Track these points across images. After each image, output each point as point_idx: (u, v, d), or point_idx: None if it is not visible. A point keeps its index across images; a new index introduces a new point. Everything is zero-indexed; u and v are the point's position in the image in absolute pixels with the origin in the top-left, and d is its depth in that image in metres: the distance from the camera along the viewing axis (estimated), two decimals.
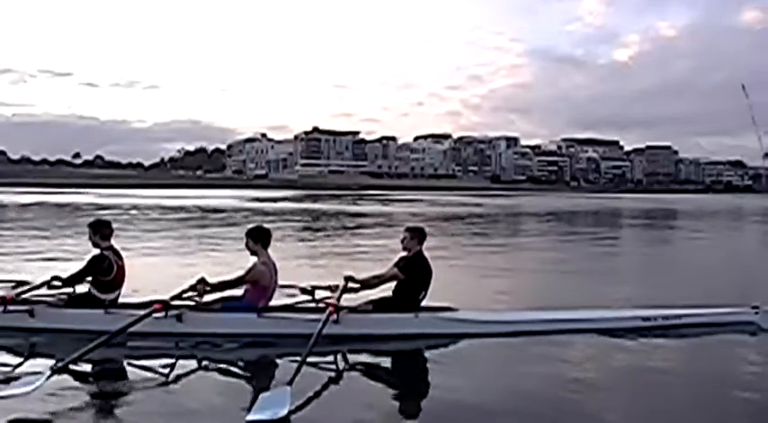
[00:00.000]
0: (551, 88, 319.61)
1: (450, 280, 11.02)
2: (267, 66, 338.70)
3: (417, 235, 8.00)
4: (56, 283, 7.75)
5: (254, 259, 7.75)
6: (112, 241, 7.93)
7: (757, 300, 8.46)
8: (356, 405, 5.58)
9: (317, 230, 25.50)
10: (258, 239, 7.77)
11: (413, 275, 7.79)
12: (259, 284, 7.64)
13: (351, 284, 7.91)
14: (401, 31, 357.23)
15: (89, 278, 7.72)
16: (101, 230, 7.80)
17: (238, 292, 7.83)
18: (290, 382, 5.52)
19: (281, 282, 7.96)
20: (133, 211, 33.44)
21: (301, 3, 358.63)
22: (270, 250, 7.86)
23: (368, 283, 7.92)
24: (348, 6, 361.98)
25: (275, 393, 5.37)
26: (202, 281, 7.65)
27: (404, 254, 8.00)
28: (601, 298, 10.34)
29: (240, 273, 7.76)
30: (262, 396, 5.33)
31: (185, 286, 7.59)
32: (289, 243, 19.07)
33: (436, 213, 40.41)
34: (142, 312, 7.08)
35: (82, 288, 7.84)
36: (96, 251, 7.78)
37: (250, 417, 5.08)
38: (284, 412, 5.12)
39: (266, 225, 8.10)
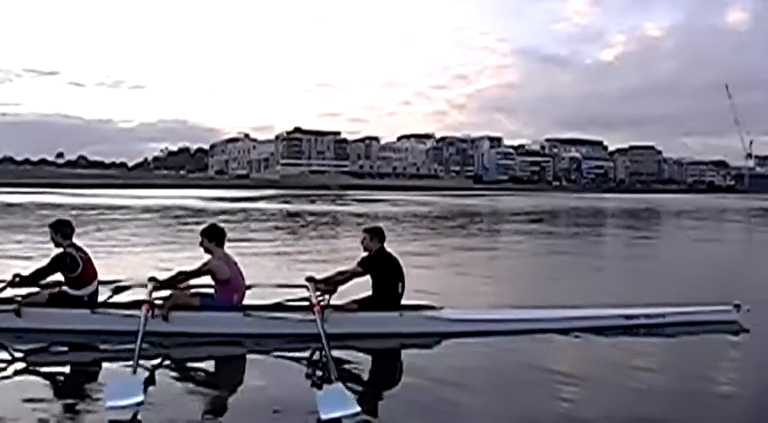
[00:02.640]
0: (537, 88, 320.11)
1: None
2: (254, 65, 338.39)
3: (376, 235, 8.13)
4: (18, 281, 7.80)
5: (207, 257, 7.82)
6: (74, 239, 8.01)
7: (739, 297, 8.57)
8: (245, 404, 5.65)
9: (255, 231, 25.10)
10: (213, 238, 7.85)
11: (378, 271, 7.90)
12: (222, 280, 7.69)
13: (311, 284, 7.98)
14: (387, 30, 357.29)
15: (60, 277, 7.81)
16: (61, 230, 7.91)
17: (208, 290, 7.88)
18: (338, 379, 5.58)
19: (254, 281, 8.14)
20: (73, 212, 33.03)
21: (289, 2, 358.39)
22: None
23: (331, 281, 7.99)
24: (335, 6, 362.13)
25: (332, 390, 5.45)
26: (153, 279, 7.75)
27: (366, 254, 8.10)
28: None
29: (194, 266, 7.87)
30: (319, 395, 5.41)
31: (147, 289, 7.57)
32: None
33: (381, 213, 40.39)
34: (127, 311, 7.35)
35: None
36: (59, 250, 7.85)
37: (324, 416, 5.18)
38: (356, 407, 5.27)
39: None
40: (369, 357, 7.11)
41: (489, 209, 50.75)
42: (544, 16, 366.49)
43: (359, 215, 37.85)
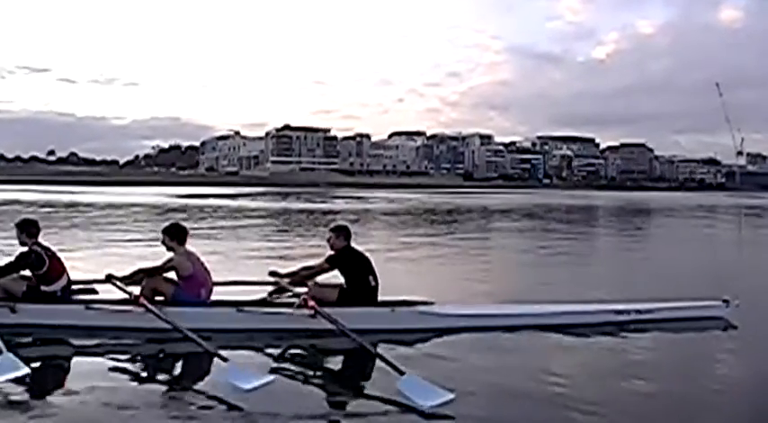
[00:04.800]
0: (530, 85, 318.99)
1: None
2: (248, 63, 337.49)
3: (342, 233, 8.23)
4: None
5: (170, 254, 7.93)
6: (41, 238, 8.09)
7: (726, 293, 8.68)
8: (331, 400, 5.75)
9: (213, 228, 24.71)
10: (174, 236, 7.99)
11: (346, 267, 7.98)
12: (185, 276, 7.78)
13: (277, 279, 8.12)
14: (381, 27, 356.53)
15: (28, 275, 7.88)
16: (27, 229, 7.98)
17: (171, 287, 7.90)
18: (402, 372, 5.76)
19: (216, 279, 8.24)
20: (30, 208, 32.76)
21: (283, 0, 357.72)
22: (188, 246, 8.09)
23: (297, 276, 8.07)
24: (329, 4, 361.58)
25: (416, 383, 5.60)
26: (111, 276, 7.84)
27: (332, 252, 8.16)
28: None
29: (155, 263, 8.01)
30: (406, 389, 5.56)
31: (120, 285, 7.68)
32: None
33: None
34: (123, 308, 7.50)
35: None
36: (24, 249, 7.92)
37: (426, 404, 5.34)
38: (451, 394, 5.44)
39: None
40: (360, 353, 6.95)
41: (455, 206, 50.54)
42: (537, 14, 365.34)
43: (334, 212, 38.02)
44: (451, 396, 5.44)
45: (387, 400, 5.62)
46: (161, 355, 7.00)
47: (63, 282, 7.94)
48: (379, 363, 6.20)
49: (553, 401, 5.66)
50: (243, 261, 14.49)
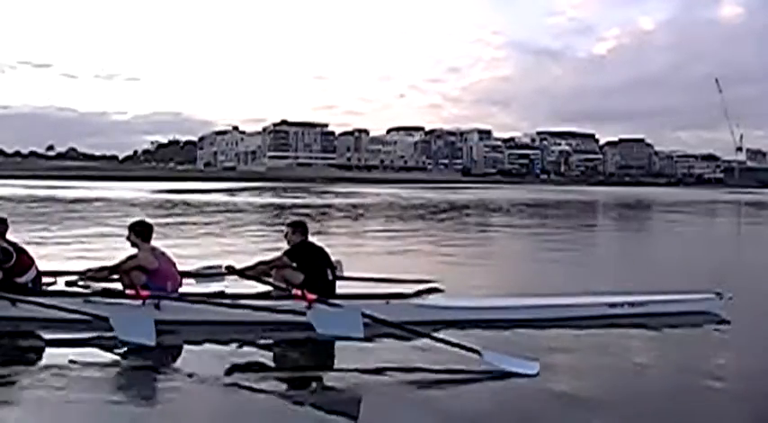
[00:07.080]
0: (531, 81, 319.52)
1: None
2: (249, 58, 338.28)
3: (298, 228, 8.29)
4: None
5: (134, 250, 7.98)
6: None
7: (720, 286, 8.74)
8: (329, 397, 5.76)
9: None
10: (139, 233, 8.03)
11: (303, 261, 8.00)
12: (151, 270, 7.83)
13: (234, 273, 8.19)
14: (381, 23, 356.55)
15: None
16: None
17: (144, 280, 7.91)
18: (478, 351, 6.17)
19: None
20: None
21: None
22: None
23: (254, 270, 8.07)
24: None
25: (497, 355, 6.13)
26: (76, 272, 8.02)
27: (289, 247, 8.22)
28: None
29: (118, 260, 8.05)
30: (495, 361, 6.07)
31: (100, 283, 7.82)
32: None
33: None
34: (121, 300, 7.59)
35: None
36: None
37: (533, 371, 6.01)
38: (536, 362, 6.13)
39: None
40: (358, 347, 6.91)
41: (452, 201, 50.47)
42: (538, 9, 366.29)
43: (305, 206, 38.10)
44: (537, 364, 6.07)
45: (484, 375, 6.03)
46: (170, 346, 7.05)
47: (33, 274, 8.02)
48: (435, 344, 6.51)
49: (547, 397, 5.67)
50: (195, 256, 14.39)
